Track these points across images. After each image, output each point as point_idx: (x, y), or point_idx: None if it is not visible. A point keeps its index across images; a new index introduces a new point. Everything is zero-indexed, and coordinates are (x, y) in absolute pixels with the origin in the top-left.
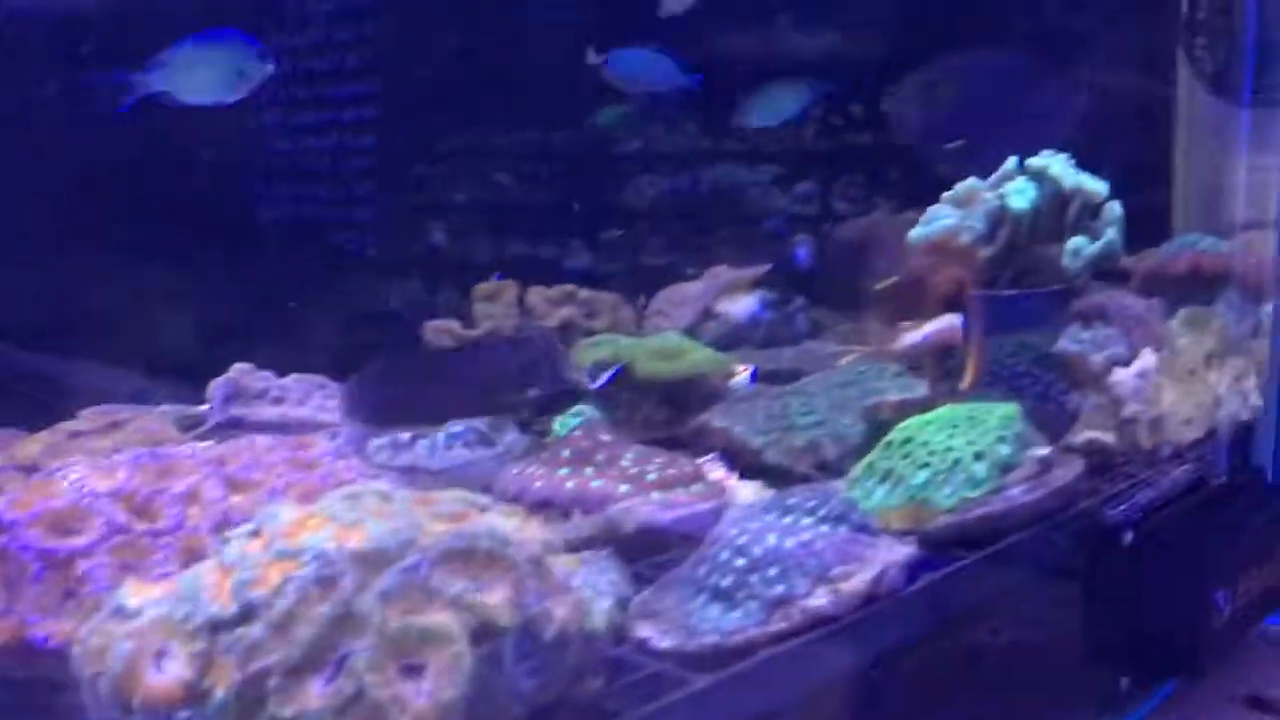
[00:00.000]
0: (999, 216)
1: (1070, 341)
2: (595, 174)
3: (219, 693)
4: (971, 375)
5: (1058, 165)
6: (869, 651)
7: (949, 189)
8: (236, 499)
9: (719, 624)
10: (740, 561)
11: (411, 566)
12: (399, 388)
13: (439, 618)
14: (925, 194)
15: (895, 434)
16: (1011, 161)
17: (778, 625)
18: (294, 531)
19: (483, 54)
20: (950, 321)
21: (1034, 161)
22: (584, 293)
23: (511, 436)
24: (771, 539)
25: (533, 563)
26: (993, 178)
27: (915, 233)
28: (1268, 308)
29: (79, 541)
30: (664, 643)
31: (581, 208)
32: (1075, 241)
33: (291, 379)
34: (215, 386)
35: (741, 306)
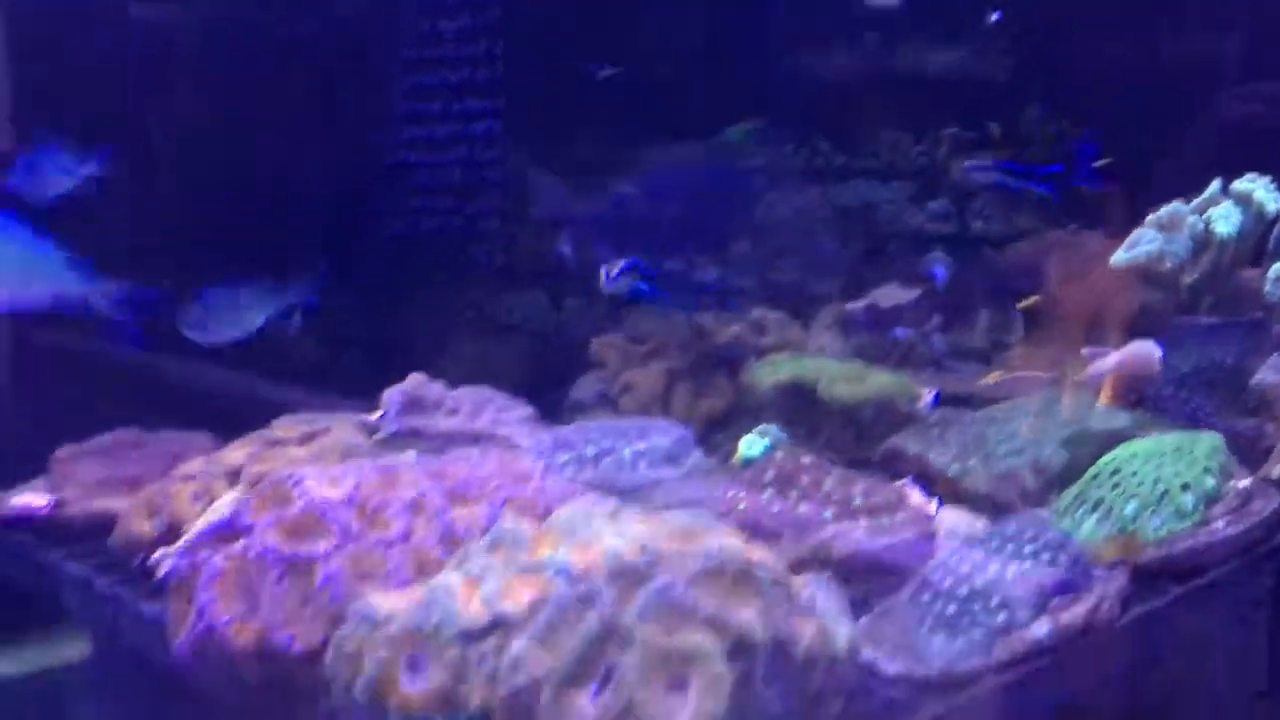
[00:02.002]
0: (1203, 242)
1: (1271, 371)
2: (723, 189)
3: (473, 702)
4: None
5: (1261, 190)
6: (1086, 682)
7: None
8: (459, 511)
9: (944, 651)
10: (963, 590)
11: (667, 586)
12: None
13: (699, 637)
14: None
15: (1103, 465)
16: (1215, 185)
17: (1001, 655)
18: (534, 547)
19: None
20: (1144, 348)
21: (1238, 185)
22: (754, 310)
23: (696, 456)
24: (993, 569)
25: (778, 584)
26: (1195, 201)
27: (1118, 257)
28: None
29: (317, 548)
30: (892, 668)
31: (710, 222)
32: (1277, 268)
33: (463, 391)
34: (390, 396)
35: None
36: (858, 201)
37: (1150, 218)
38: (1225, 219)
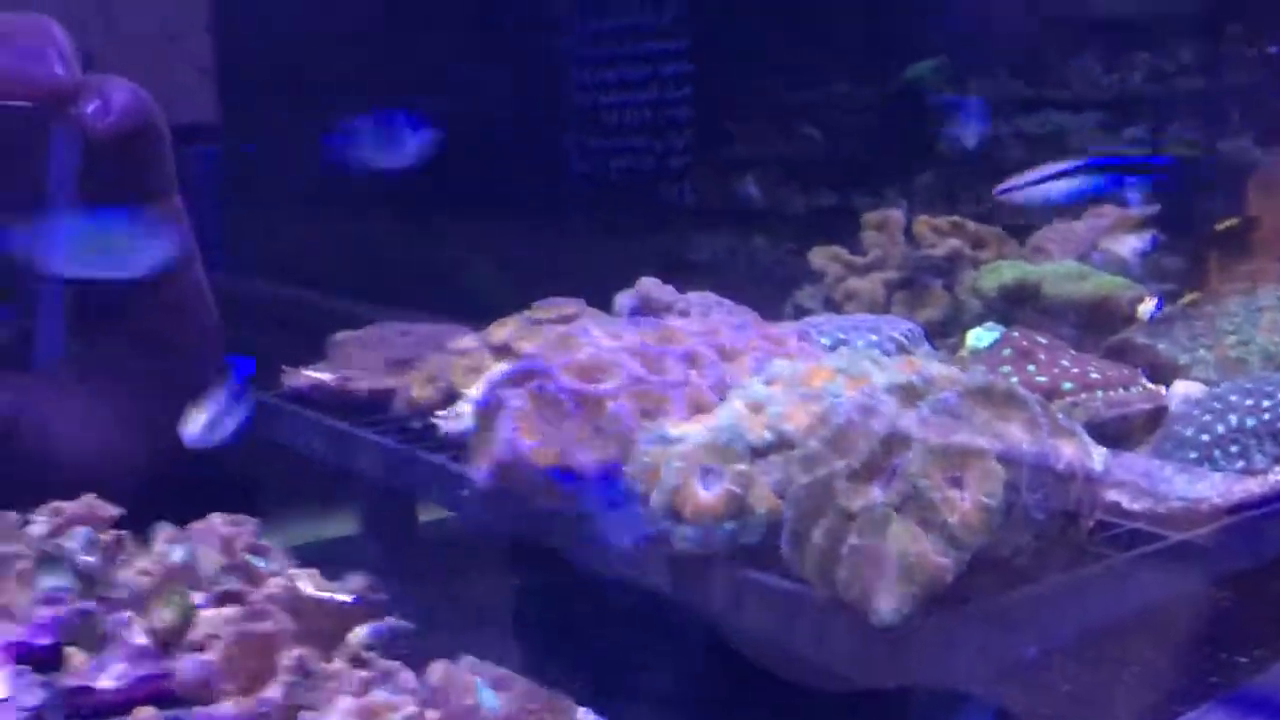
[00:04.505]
0: None
1: None
2: (906, 125)
3: (760, 508)
4: None
5: None
6: None
7: None
8: (727, 365)
9: (1185, 492)
10: (1205, 437)
11: (943, 399)
12: None
13: (973, 439)
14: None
15: None
16: None
17: (1240, 495)
18: (809, 380)
19: (793, 11)
20: None
21: None
22: (971, 225)
23: (926, 347)
24: (1233, 418)
25: (1040, 404)
26: None
27: None
28: None
29: (606, 386)
30: (1135, 505)
31: (893, 158)
32: None
33: (692, 295)
34: (623, 298)
35: (1127, 245)
36: (1047, 130)
37: None
38: None
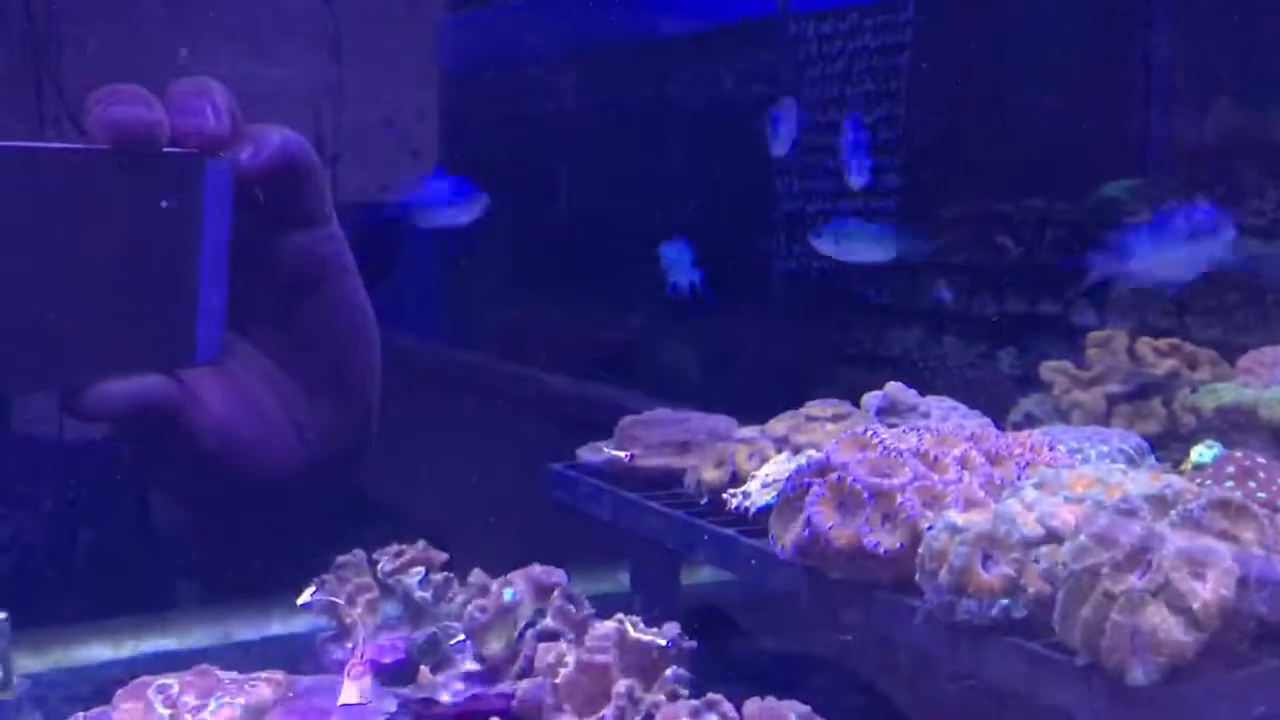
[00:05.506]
0: None
1: None
2: (1099, 241)
3: (1030, 590)
4: None
5: None
6: None
7: None
8: (995, 469)
9: None
10: None
11: (1190, 507)
12: None
13: (1215, 543)
14: None
15: None
16: None
17: None
18: (1073, 485)
19: (996, 130)
20: None
21: None
22: (1188, 347)
23: (1151, 460)
24: None
25: (1268, 517)
26: None
27: None
28: None
29: (895, 481)
30: None
31: (1084, 272)
32: None
33: (930, 399)
34: (871, 398)
35: None
36: (1239, 257)
37: None
38: None
